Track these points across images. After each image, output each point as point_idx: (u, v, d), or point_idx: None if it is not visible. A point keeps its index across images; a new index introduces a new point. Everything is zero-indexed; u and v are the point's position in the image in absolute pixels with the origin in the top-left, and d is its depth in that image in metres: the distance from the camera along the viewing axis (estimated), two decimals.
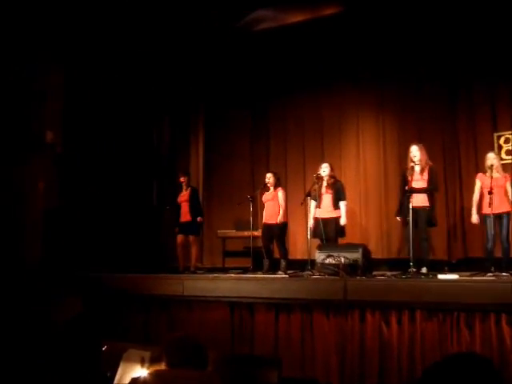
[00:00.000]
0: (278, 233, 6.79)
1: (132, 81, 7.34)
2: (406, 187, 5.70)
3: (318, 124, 8.05)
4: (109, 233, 7.22)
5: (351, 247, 5.82)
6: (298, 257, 7.52)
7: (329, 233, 6.29)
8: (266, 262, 6.78)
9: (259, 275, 6.08)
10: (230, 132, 8.52)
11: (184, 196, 7.25)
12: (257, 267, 6.74)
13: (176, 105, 8.36)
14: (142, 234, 7.86)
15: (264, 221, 6.79)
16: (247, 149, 8.49)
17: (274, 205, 6.82)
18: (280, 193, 6.81)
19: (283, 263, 6.78)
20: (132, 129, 7.71)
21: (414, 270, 5.44)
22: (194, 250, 7.09)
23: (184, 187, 7.27)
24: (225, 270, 7.19)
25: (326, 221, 6.35)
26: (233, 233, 7.93)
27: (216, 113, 8.59)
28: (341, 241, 6.48)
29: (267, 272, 6.49)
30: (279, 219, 6.67)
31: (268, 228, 6.71)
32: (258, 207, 7.23)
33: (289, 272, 6.18)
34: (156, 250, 7.89)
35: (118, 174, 7.58)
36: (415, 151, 6.00)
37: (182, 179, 7.28)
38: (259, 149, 8.49)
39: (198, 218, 6.95)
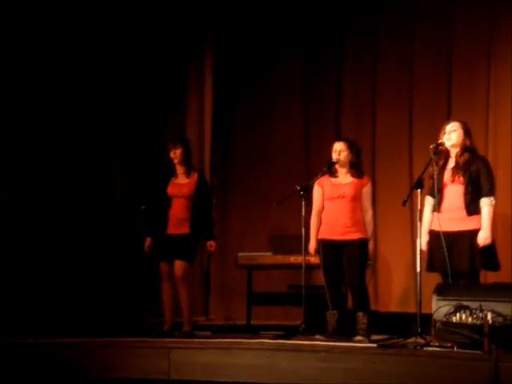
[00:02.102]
0: (356, 258, 4.67)
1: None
2: None
3: (440, 59, 6.34)
4: (37, 264, 5.62)
5: (506, 292, 4.22)
6: (393, 308, 6.07)
7: (460, 261, 4.45)
8: (331, 317, 4.80)
9: (318, 342, 4.49)
10: (260, 72, 6.84)
11: (182, 187, 5.12)
12: (314, 326, 4.93)
13: (161, 26, 6.60)
14: (95, 260, 5.95)
15: (325, 236, 4.74)
16: (297, 102, 6.84)
17: (348, 205, 4.70)
18: (366, 186, 4.79)
19: (364, 319, 4.68)
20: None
21: None
22: (184, 292, 5.06)
23: (180, 169, 5.15)
24: (251, 331, 5.51)
25: (453, 237, 4.44)
26: (267, 257, 5.79)
27: (232, 39, 6.87)
28: (485, 278, 5.13)
29: (334, 336, 4.69)
30: (359, 234, 4.67)
31: (334, 249, 4.68)
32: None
33: (377, 339, 4.62)
34: (120, 290, 6.05)
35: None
36: None
37: (174, 153, 5.11)
38: (321, 103, 6.77)
39: (210, 244, 5.09)
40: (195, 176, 5.13)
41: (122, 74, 6.32)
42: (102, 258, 6.02)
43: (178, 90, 6.70)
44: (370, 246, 4.72)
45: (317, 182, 4.76)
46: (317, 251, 4.79)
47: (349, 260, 4.63)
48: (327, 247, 4.72)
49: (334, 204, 4.71)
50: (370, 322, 4.76)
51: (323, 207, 4.77)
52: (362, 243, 4.65)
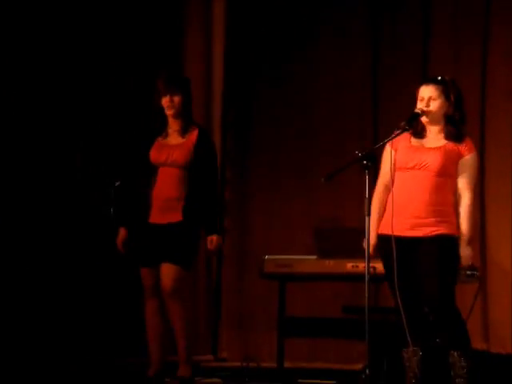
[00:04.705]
0: (435, 264, 3.76)
1: None
2: None
3: None
4: None
5: None
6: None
7: None
8: (411, 357, 3.79)
9: None
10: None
11: (173, 149, 4.07)
12: (384, 372, 4.21)
13: None
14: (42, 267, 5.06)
15: (385, 229, 3.77)
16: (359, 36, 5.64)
17: (430, 182, 3.70)
18: (467, 156, 3.79)
19: (462, 362, 3.73)
20: None
21: None
22: (178, 314, 4.04)
23: (175, 124, 4.10)
24: (284, 378, 4.57)
25: None
26: (309, 263, 4.68)
27: None
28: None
29: None
30: (442, 228, 3.72)
31: (402, 250, 3.74)
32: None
33: None
34: (83, 313, 5.00)
35: None
36: None
37: (170, 100, 4.06)
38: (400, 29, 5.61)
39: (211, 240, 4.05)
40: (194, 134, 4.20)
41: None
42: (53, 264, 5.21)
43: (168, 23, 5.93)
44: (464, 248, 3.70)
45: (393, 141, 3.86)
46: (376, 251, 3.88)
47: (424, 268, 3.72)
48: (389, 247, 3.76)
49: (407, 178, 3.76)
50: (472, 367, 3.69)
51: (393, 182, 3.86)
52: (445, 242, 3.68)
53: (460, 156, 3.79)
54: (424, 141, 3.83)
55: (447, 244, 3.83)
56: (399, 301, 3.82)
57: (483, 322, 5.20)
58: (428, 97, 3.79)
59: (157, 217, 4.11)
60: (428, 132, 3.84)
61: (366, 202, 3.85)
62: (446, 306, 3.82)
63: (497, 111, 5.15)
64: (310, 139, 5.78)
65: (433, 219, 3.79)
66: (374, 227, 3.91)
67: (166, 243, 4.08)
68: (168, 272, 4.10)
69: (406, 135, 3.82)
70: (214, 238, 4.17)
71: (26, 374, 4.78)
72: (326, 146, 5.70)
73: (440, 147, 3.78)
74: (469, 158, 3.80)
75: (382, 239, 3.85)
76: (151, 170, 4.19)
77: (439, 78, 4.02)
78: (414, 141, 3.82)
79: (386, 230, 3.86)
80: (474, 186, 3.92)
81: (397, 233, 3.81)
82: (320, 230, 5.18)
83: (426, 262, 3.82)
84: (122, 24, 5.78)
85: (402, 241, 3.76)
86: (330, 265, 4.82)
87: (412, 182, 3.82)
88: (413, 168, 3.79)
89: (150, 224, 4.14)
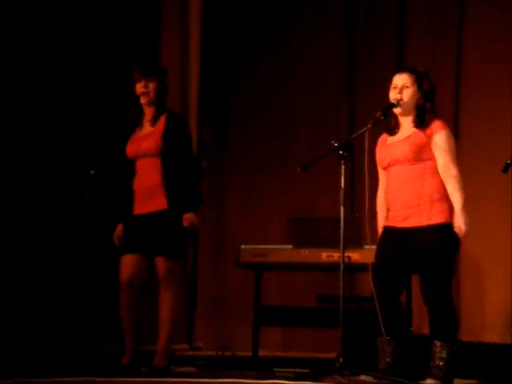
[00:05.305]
0: (429, 253, 3.74)
1: None
2: None
3: None
4: None
5: None
6: (488, 338, 5.06)
7: None
8: (385, 347, 3.85)
9: None
10: None
11: (142, 140, 4.04)
12: (357, 360, 3.94)
13: None
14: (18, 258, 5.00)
15: (386, 222, 3.89)
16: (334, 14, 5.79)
17: (409, 173, 3.73)
18: (437, 133, 3.73)
19: (443, 353, 3.75)
20: None
21: None
22: (167, 304, 4.01)
23: (149, 113, 4.04)
24: (259, 367, 4.52)
25: None
26: (285, 252, 4.81)
27: None
28: None
29: (389, 377, 3.79)
30: (434, 217, 3.72)
31: (396, 240, 3.80)
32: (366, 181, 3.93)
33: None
34: (58, 304, 4.97)
35: None
36: None
37: (145, 86, 4.01)
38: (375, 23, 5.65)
39: (186, 218, 3.96)
40: (162, 120, 4.14)
41: None
42: (30, 254, 5.11)
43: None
44: (459, 218, 3.69)
45: (377, 145, 3.88)
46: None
47: (418, 257, 3.75)
48: (387, 237, 3.81)
49: (391, 175, 3.85)
50: (453, 358, 3.72)
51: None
52: (439, 230, 3.66)
53: (430, 138, 3.77)
54: (397, 136, 3.86)
55: (444, 231, 3.80)
56: (375, 290, 3.83)
57: (456, 312, 5.17)
58: (401, 84, 3.81)
59: (141, 207, 4.06)
60: (401, 126, 3.83)
61: (342, 192, 3.91)
62: (440, 295, 3.80)
63: (469, 101, 5.12)
64: (286, 130, 5.87)
65: (424, 207, 3.79)
66: (380, 225, 3.92)
67: (155, 235, 4.00)
68: (163, 264, 4.03)
69: (384, 137, 3.85)
70: (189, 215, 4.08)
71: (3, 362, 4.59)
72: (303, 136, 5.75)
73: (407, 137, 3.79)
74: (439, 136, 3.78)
75: (383, 231, 3.89)
76: (131, 164, 4.13)
77: (412, 68, 3.97)
78: (389, 139, 3.88)
79: (386, 221, 3.91)
80: (454, 159, 3.81)
81: (393, 224, 3.84)
82: (296, 219, 5.20)
83: (422, 249, 3.79)
84: (96, 16, 5.74)
85: (397, 232, 3.78)
86: (306, 254, 4.84)
87: (395, 177, 3.86)
88: (389, 165, 3.86)
89: (136, 216, 4.09)
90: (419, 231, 3.80)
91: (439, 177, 3.75)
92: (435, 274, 3.78)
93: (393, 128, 3.86)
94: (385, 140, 3.95)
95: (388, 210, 3.92)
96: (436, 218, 3.79)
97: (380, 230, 4.01)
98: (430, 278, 3.82)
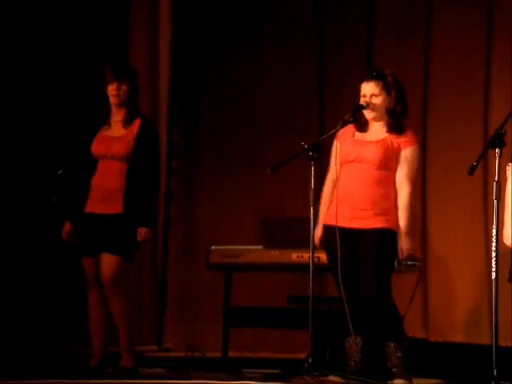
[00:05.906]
0: (371, 256, 3.85)
1: None
2: None
3: None
4: None
5: None
6: (456, 338, 5.01)
7: None
8: (353, 346, 3.92)
9: None
10: None
11: (114, 142, 4.04)
12: (326, 361, 4.26)
13: None
14: None
15: (329, 220, 3.87)
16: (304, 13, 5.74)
17: (371, 176, 3.82)
18: (407, 148, 3.87)
19: (398, 353, 3.85)
20: None
21: None
22: (118, 305, 4.02)
23: (119, 114, 4.08)
24: (228, 367, 4.52)
25: None
26: (255, 253, 4.81)
27: None
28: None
29: (358, 377, 3.87)
30: (380, 222, 3.82)
31: (345, 241, 3.85)
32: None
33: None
34: (26, 304, 4.99)
35: None
36: None
37: (117, 88, 4.04)
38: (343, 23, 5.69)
39: (140, 232, 4.04)
40: (136, 125, 4.14)
41: None
42: None
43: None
44: (403, 240, 3.78)
45: (338, 135, 3.89)
46: (322, 242, 3.95)
47: (361, 260, 3.82)
48: (332, 238, 3.81)
49: (350, 171, 3.84)
50: (407, 353, 3.84)
51: (339, 175, 3.95)
52: (383, 235, 3.77)
53: (400, 149, 3.83)
54: (366, 134, 3.88)
55: (383, 238, 3.84)
56: (342, 291, 3.85)
57: (423, 312, 5.30)
58: (370, 94, 3.84)
59: (95, 207, 4.05)
60: (371, 126, 3.87)
61: (311, 192, 3.88)
62: (380, 299, 3.87)
63: (437, 101, 5.13)
64: (256, 130, 5.85)
65: (371, 212, 3.83)
66: (321, 219, 3.95)
67: (105, 233, 4.03)
68: (107, 262, 4.04)
69: (350, 129, 3.86)
70: (143, 230, 4.11)
71: None
72: (273, 136, 5.74)
73: (380, 141, 3.83)
74: (408, 151, 3.83)
75: (327, 230, 3.88)
76: (93, 161, 4.14)
77: (378, 73, 3.96)
78: (357, 134, 3.87)
79: (329, 221, 3.88)
80: (413, 178, 3.92)
81: (339, 223, 3.84)
82: (266, 220, 5.21)
83: (361, 255, 3.86)
84: (64, 14, 5.66)
85: (343, 231, 3.81)
86: (276, 255, 4.83)
87: (354, 174, 3.87)
88: (353, 161, 3.86)
89: (87, 214, 4.09)
90: (364, 233, 3.81)
91: (395, 188, 3.80)
92: (376, 276, 3.82)
93: (363, 125, 3.85)
94: (351, 133, 3.93)
95: (330, 204, 3.94)
96: (382, 223, 3.79)
97: (320, 225, 3.93)
98: (372, 280, 3.83)
